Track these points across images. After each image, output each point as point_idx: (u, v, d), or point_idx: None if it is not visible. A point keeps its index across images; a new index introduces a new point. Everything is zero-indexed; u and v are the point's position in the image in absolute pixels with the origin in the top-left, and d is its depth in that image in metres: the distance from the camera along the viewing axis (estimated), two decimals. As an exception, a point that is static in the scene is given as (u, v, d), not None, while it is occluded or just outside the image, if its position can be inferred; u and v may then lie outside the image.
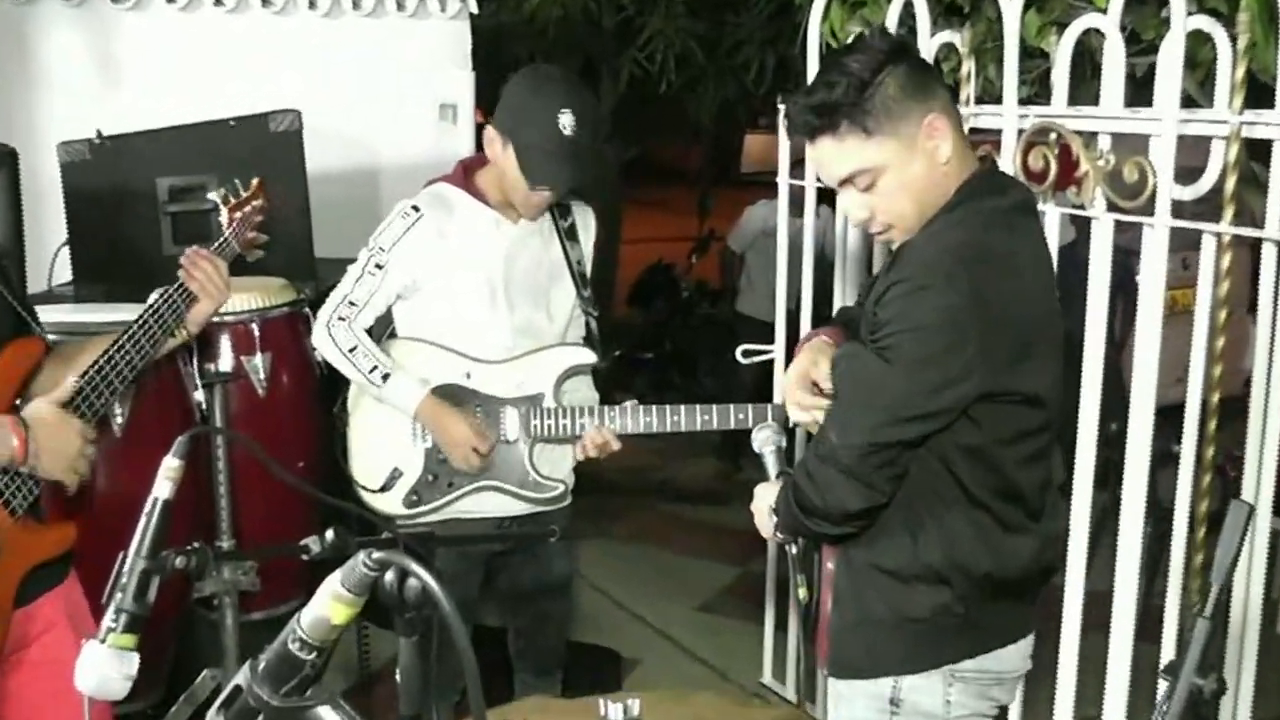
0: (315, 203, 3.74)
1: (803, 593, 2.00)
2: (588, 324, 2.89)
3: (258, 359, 3.06)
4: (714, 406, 2.77)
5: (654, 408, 2.81)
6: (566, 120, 2.60)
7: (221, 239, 2.67)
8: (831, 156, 1.88)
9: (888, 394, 1.78)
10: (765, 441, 2.15)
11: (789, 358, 3.50)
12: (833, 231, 3.77)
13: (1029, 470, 1.90)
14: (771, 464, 2.13)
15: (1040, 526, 1.94)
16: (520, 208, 2.75)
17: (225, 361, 3.05)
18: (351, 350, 2.72)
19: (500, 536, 2.88)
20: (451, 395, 2.76)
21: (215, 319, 2.96)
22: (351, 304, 2.73)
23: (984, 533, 1.88)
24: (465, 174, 2.79)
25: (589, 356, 2.85)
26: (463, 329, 2.76)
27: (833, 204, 3.60)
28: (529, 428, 2.77)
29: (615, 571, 5.02)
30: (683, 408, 2.79)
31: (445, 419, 2.73)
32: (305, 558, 1.47)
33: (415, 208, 2.72)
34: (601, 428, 2.76)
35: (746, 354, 3.54)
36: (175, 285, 2.35)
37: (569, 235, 2.87)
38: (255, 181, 2.82)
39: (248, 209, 2.79)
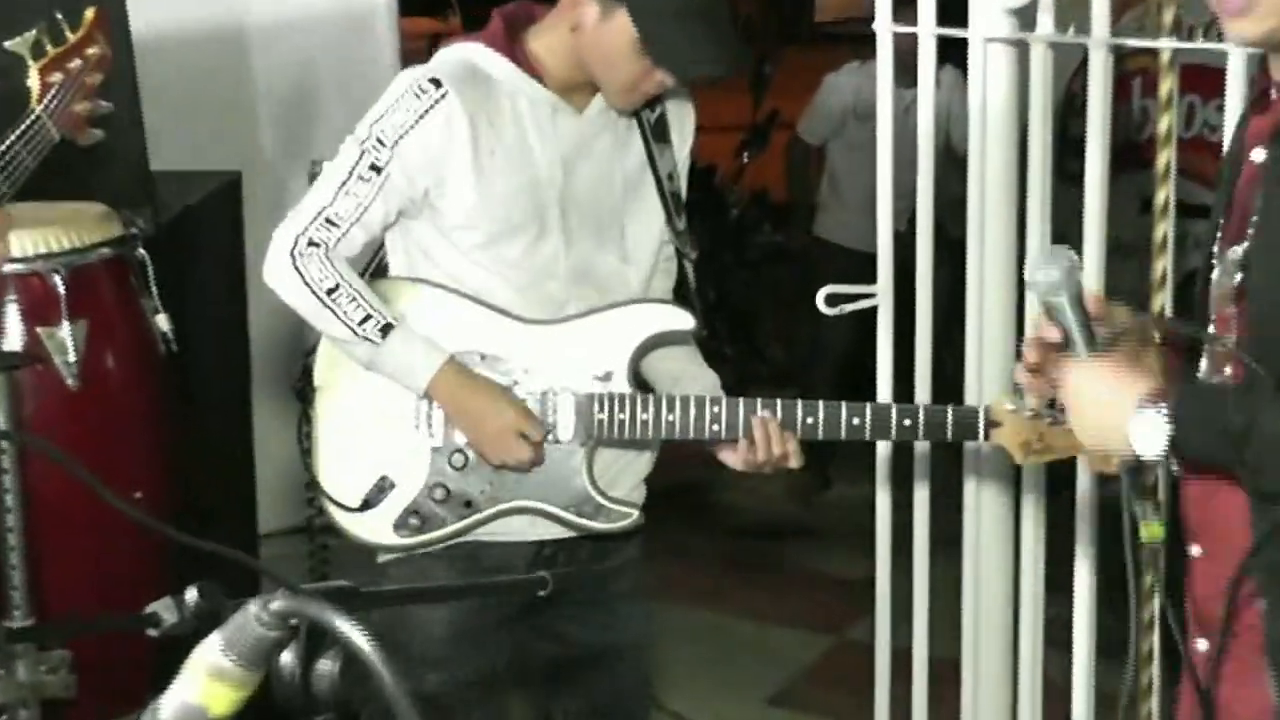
0: (148, 85, 3.74)
1: (1150, 530, 1.97)
2: (682, 270, 2.97)
3: (64, 332, 3.09)
4: (922, 408, 2.80)
5: (820, 405, 2.80)
6: None
7: (29, 118, 2.62)
8: None
9: None
10: (1057, 285, 2.02)
11: (902, 305, 3.61)
12: (963, 105, 3.73)
13: None
14: (1075, 324, 2.02)
15: None
16: (616, 95, 2.81)
17: (13, 336, 3.07)
18: (332, 292, 2.74)
19: (483, 587, 2.92)
20: (475, 369, 2.83)
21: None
22: (331, 223, 2.75)
23: None
24: (508, 33, 2.83)
25: (683, 320, 2.89)
26: (493, 270, 2.81)
27: (962, 63, 3.71)
28: (591, 424, 2.80)
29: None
30: (869, 409, 2.78)
31: (477, 396, 2.78)
32: (154, 633, 1.49)
33: (435, 82, 2.75)
34: (770, 424, 2.76)
35: (832, 300, 3.51)
36: None
37: (657, 134, 2.93)
38: (89, 15, 2.78)
39: (74, 64, 2.75)
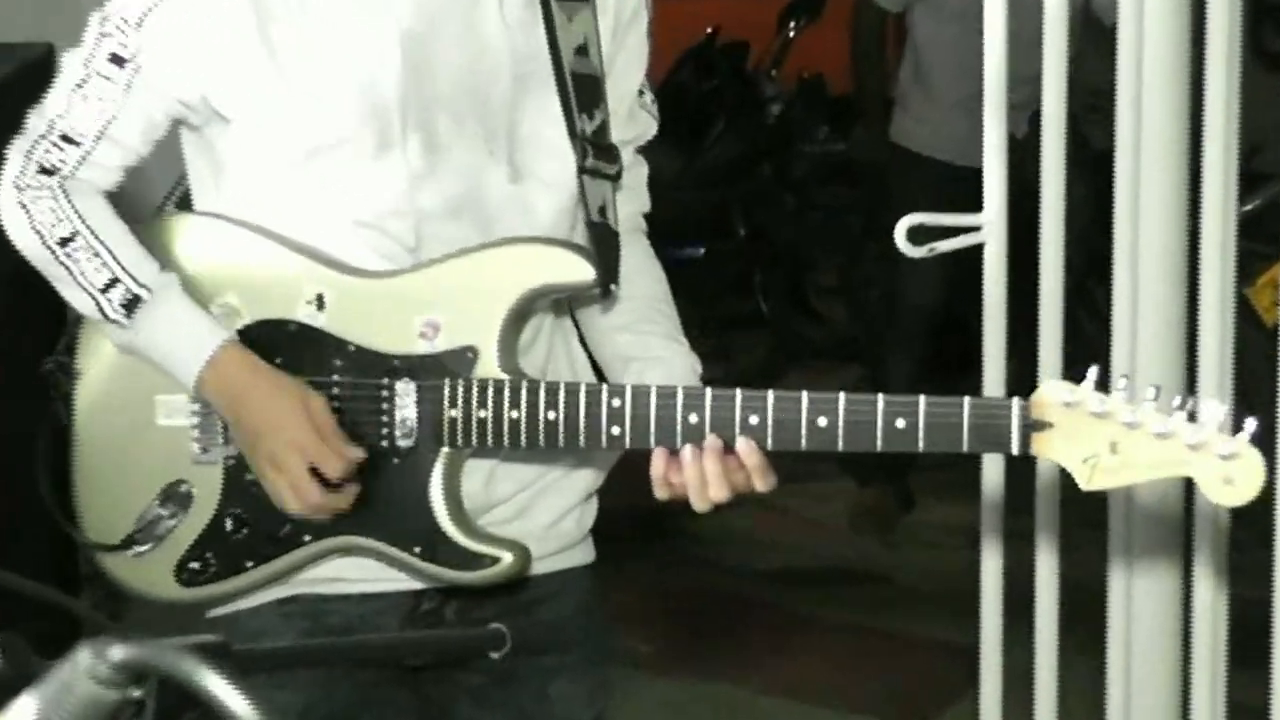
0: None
1: None
2: (583, 195, 2.91)
3: None
4: (923, 403, 2.50)
5: (770, 398, 2.61)
6: None
7: None
8: None
9: None
10: None
11: (1019, 242, 3.64)
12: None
13: None
14: None
15: None
16: None
17: None
18: (66, 243, 2.76)
19: (411, 643, 2.82)
20: (282, 347, 2.79)
21: None
22: (68, 140, 2.78)
23: None
24: None
25: (577, 270, 2.80)
26: (316, 200, 2.81)
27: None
28: (440, 426, 2.74)
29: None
30: (841, 405, 2.56)
31: (262, 401, 2.74)
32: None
33: None
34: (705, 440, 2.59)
35: (917, 236, 3.47)
36: None
37: None
38: None
39: None
